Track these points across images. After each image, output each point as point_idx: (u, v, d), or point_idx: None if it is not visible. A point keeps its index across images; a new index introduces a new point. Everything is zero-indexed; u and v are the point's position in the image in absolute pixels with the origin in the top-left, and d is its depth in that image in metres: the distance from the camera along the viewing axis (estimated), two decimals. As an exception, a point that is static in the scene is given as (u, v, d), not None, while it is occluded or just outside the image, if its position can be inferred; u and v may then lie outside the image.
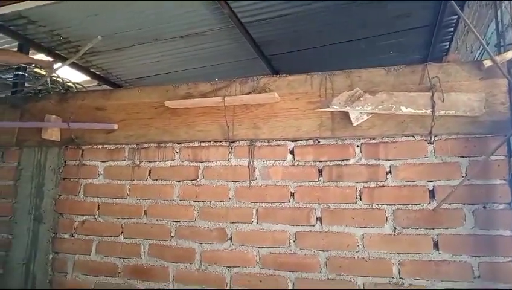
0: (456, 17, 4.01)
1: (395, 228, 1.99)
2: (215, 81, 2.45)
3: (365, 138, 2.11)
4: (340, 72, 2.21)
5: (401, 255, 1.97)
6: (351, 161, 2.12)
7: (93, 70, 5.35)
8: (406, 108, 1.98)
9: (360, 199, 2.07)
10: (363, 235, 2.03)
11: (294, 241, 2.12)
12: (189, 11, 3.83)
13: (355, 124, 2.05)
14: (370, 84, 2.12)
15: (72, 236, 2.55)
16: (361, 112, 2.04)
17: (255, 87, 2.35)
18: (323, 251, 2.07)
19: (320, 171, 2.16)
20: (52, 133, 2.63)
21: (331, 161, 2.15)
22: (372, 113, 2.05)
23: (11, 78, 3.35)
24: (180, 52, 4.85)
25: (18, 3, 3.24)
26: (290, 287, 2.08)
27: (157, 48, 4.74)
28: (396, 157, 2.06)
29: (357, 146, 2.13)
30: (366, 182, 2.07)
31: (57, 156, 2.70)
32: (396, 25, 4.24)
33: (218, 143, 2.38)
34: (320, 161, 2.17)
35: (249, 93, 2.33)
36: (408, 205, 2.00)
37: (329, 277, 2.03)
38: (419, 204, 1.99)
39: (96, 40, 2.86)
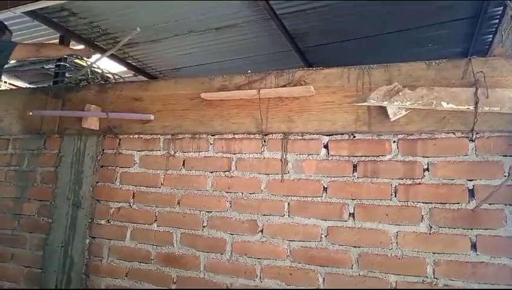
0: (502, 8, 3.82)
1: (430, 227, 1.94)
2: (250, 73, 2.45)
3: (403, 134, 2.06)
4: (378, 65, 2.15)
5: (436, 254, 1.91)
6: (387, 157, 2.08)
7: (129, 61, 5.49)
8: (447, 104, 1.91)
9: (395, 196, 2.02)
10: (397, 232, 1.99)
11: (325, 236, 2.11)
12: (224, 2, 3.85)
13: (392, 120, 2.00)
14: (409, 79, 2.06)
15: (108, 222, 2.64)
16: (399, 107, 1.98)
17: (290, 80, 2.33)
18: (355, 246, 2.04)
19: (354, 167, 2.13)
20: (92, 122, 2.72)
21: (366, 156, 2.11)
22: (410, 109, 1.99)
23: (52, 68, 3.48)
24: (214, 44, 4.90)
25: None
26: (320, 281, 2.07)
27: (192, 40, 4.81)
28: (435, 154, 1.99)
29: (394, 142, 2.08)
30: (402, 179, 2.02)
31: (95, 144, 2.79)
32: (437, 17, 4.10)
33: (252, 135, 2.39)
34: (355, 156, 2.14)
35: (284, 86, 2.31)
36: (445, 203, 1.94)
37: (361, 273, 2.01)
38: (458, 203, 1.92)
39: (135, 32, 2.93)
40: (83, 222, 2.69)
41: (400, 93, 1.98)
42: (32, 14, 4.02)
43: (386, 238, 1.99)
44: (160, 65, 5.67)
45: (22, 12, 3.85)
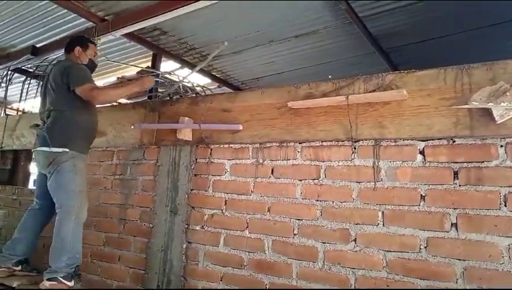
0: None
1: (550, 240, 1.74)
2: (337, 80, 2.42)
3: (511, 137, 1.88)
4: (479, 64, 2.00)
5: (559, 271, 1.71)
6: (494, 163, 1.91)
7: (214, 73, 5.74)
8: None
9: (505, 205, 1.85)
10: (508, 245, 1.81)
11: (425, 247, 2.00)
12: (305, 9, 3.86)
13: (499, 122, 1.84)
14: (517, 77, 1.88)
15: (203, 228, 2.78)
16: (507, 108, 1.82)
17: (380, 85, 2.26)
18: (460, 259, 1.90)
19: (455, 174, 1.99)
20: (186, 134, 2.90)
21: (468, 162, 1.97)
22: (520, 110, 1.82)
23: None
24: (294, 51, 4.92)
25: (156, 17, 3.63)
26: (421, 296, 1.97)
27: (272, 49, 4.89)
28: (552, 159, 1.79)
29: (501, 146, 1.91)
30: (513, 187, 1.85)
31: (189, 154, 2.96)
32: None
33: (341, 143, 2.36)
34: (455, 163, 2.00)
35: (374, 91, 2.25)
36: None
37: (467, 288, 1.86)
38: None
39: (223, 46, 3.06)
40: (179, 227, 2.86)
41: (508, 94, 1.82)
42: (128, 35, 4.41)
43: (496, 252, 1.83)
44: (242, 75, 5.84)
45: (121, 35, 4.26)
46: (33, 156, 2.97)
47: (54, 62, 3.21)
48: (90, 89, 2.70)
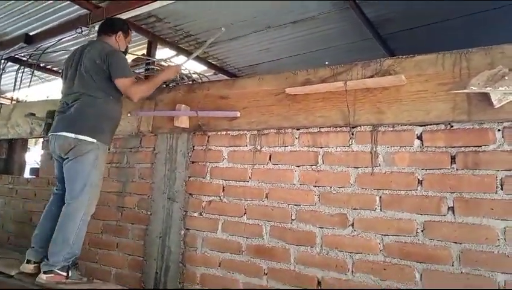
0: None
1: (545, 223, 1.77)
2: (335, 65, 2.41)
3: (509, 121, 1.89)
4: (477, 49, 2.00)
5: (553, 253, 1.74)
6: (491, 147, 1.92)
7: (210, 60, 5.70)
8: None
9: (502, 189, 1.87)
10: (504, 228, 1.84)
11: (422, 231, 2.02)
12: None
13: (497, 106, 1.85)
14: (515, 61, 1.88)
15: (201, 215, 2.79)
16: (505, 93, 1.82)
17: (378, 70, 2.26)
18: (456, 243, 1.93)
19: (452, 158, 2.00)
20: (183, 121, 2.89)
21: (466, 146, 1.98)
22: (518, 94, 1.82)
23: (142, 72, 3.74)
24: (290, 38, 4.90)
25: (151, 3, 3.58)
26: (418, 278, 1.99)
27: (269, 35, 4.86)
28: (549, 142, 1.81)
29: (498, 130, 1.92)
30: (509, 170, 1.86)
31: (186, 141, 2.95)
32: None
33: (338, 129, 2.36)
34: (453, 147, 2.01)
35: (372, 76, 2.25)
36: None
37: (463, 270, 1.89)
38: None
39: (220, 32, 3.03)
40: (177, 214, 2.87)
41: (506, 78, 1.82)
42: (123, 22, 4.35)
43: (492, 235, 1.85)
44: (238, 62, 5.81)
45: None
46: (49, 140, 2.74)
47: (84, 43, 2.92)
48: (130, 85, 2.62)
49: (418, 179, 2.07)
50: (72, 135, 2.58)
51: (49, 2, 4.18)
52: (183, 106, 2.90)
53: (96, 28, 4.09)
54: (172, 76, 2.96)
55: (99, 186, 2.74)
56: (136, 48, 5.21)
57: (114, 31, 2.86)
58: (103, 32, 2.88)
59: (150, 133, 3.14)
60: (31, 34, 4.89)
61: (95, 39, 2.93)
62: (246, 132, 2.71)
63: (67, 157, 2.63)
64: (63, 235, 2.57)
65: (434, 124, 2.07)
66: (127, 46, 2.99)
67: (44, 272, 2.53)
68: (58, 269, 2.53)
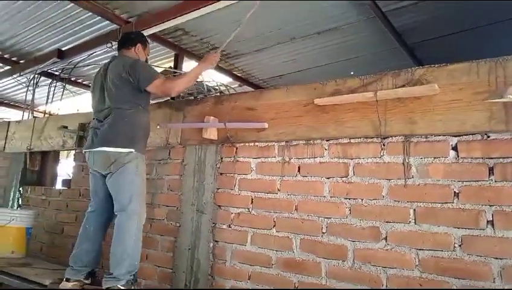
0: None
1: None
2: (364, 76, 2.39)
3: (550, 131, 1.82)
4: (515, 56, 1.94)
5: None
6: (532, 158, 1.85)
7: (235, 72, 5.74)
8: None
9: (545, 202, 1.79)
10: (549, 243, 1.75)
11: (460, 246, 1.95)
12: (327, 6, 3.82)
13: (537, 116, 1.78)
14: (556, 68, 1.81)
15: (229, 227, 2.78)
16: (546, 101, 1.76)
17: (409, 80, 2.22)
18: (497, 258, 1.85)
19: (490, 169, 1.94)
20: (211, 133, 2.91)
21: (505, 157, 1.91)
22: (560, 102, 1.75)
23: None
24: (315, 48, 4.89)
25: (178, 18, 3.65)
26: (456, 295, 1.92)
27: (294, 47, 4.86)
28: None
29: (539, 140, 1.85)
30: (553, 183, 1.79)
31: (214, 153, 2.97)
32: None
33: (369, 139, 2.32)
34: (490, 158, 1.94)
35: (403, 86, 2.21)
36: None
37: (506, 287, 1.81)
38: None
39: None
40: (206, 226, 2.87)
41: (546, 86, 1.75)
42: (151, 36, 4.45)
43: (537, 250, 1.77)
44: (263, 74, 5.83)
45: (144, 36, 4.31)
46: (87, 156, 2.79)
47: (107, 60, 2.96)
48: (163, 83, 2.66)
49: (454, 192, 2.01)
50: (111, 149, 2.61)
51: (81, 18, 4.33)
52: (212, 117, 2.92)
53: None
54: (210, 66, 2.92)
55: (145, 194, 2.75)
56: (164, 61, 5.31)
57: (133, 44, 2.92)
58: (123, 47, 2.95)
59: (179, 145, 3.18)
60: (63, 49, 5.06)
61: (116, 54, 3.00)
62: (274, 143, 2.70)
63: (110, 172, 2.64)
64: (120, 244, 2.55)
65: (470, 134, 2.01)
66: (147, 58, 3.04)
67: (108, 289, 2.49)
68: (122, 285, 2.49)
